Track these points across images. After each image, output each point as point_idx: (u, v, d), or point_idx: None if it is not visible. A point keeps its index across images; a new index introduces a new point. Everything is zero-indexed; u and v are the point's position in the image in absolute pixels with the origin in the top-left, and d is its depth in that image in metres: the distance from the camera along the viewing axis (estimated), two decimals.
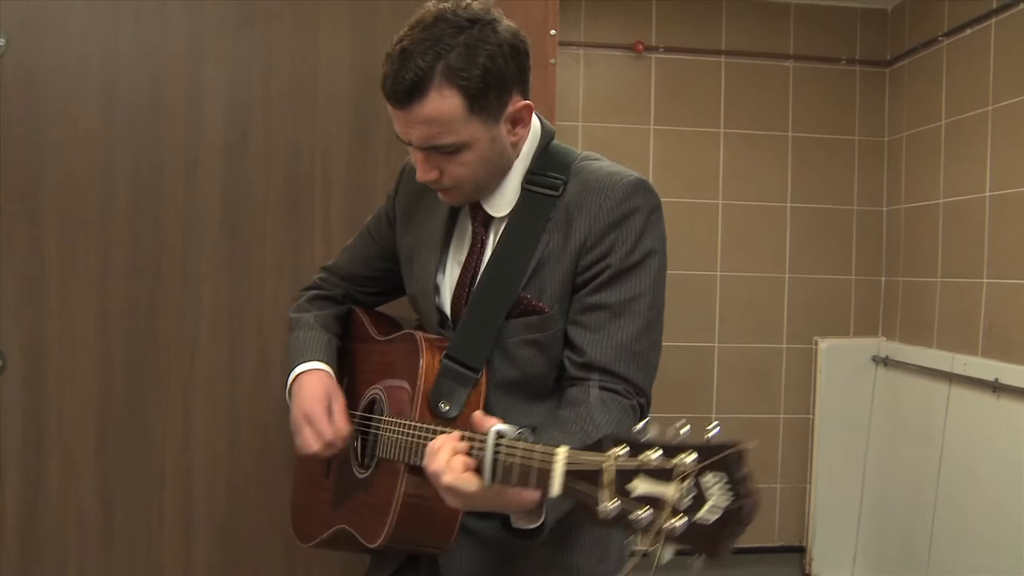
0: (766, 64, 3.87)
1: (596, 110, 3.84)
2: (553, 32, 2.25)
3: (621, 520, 0.94)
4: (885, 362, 3.78)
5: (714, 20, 3.86)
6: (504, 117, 1.33)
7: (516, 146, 1.40)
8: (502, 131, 1.34)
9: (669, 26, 3.84)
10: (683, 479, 0.89)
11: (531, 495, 1.16)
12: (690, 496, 0.89)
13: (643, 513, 0.91)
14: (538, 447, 1.07)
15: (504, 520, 1.25)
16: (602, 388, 1.33)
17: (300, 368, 1.55)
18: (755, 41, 3.86)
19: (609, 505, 0.95)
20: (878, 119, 3.95)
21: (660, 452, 0.93)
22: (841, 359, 3.89)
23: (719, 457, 0.88)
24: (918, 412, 3.52)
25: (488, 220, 1.43)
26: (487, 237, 1.43)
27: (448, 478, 1.15)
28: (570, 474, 1.02)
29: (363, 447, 1.53)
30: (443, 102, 1.26)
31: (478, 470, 1.15)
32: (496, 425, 1.15)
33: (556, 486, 1.03)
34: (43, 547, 2.20)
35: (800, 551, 4.00)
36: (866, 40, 3.93)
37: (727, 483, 0.88)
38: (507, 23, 1.32)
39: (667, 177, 3.88)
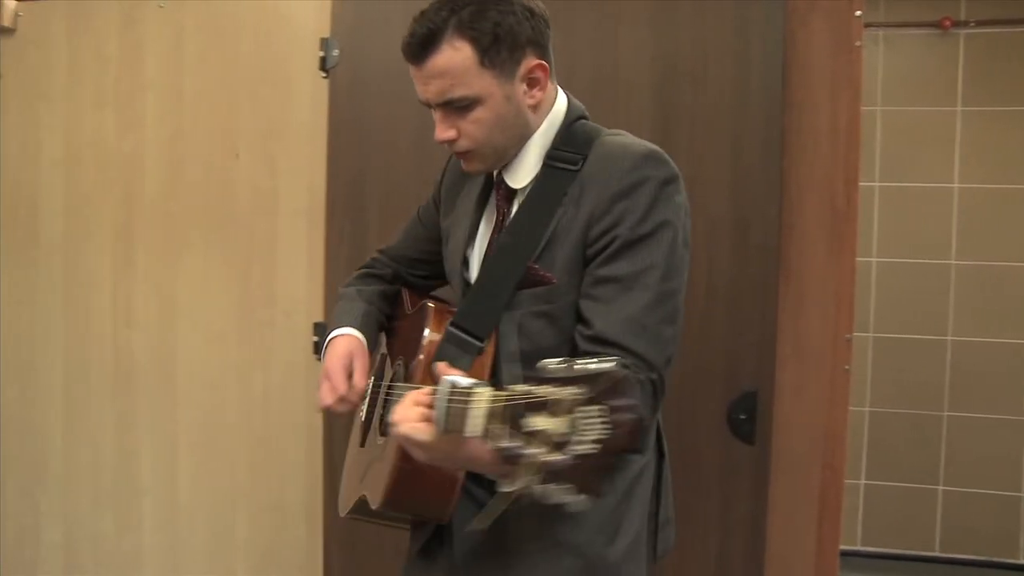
0: None
1: (897, 93, 3.65)
2: (859, 13, 2.16)
3: (516, 456, 0.92)
4: None
5: None
6: (519, 76, 1.34)
7: (536, 110, 1.39)
8: (517, 90, 1.35)
9: None
10: (567, 411, 0.88)
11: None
12: (576, 430, 0.88)
13: (534, 448, 0.90)
14: (484, 390, 1.03)
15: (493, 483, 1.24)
16: None
17: (333, 334, 1.58)
18: None
19: (505, 443, 0.94)
20: None
21: (552, 386, 0.91)
22: None
23: (597, 389, 0.88)
24: None
25: (511, 193, 1.44)
26: (509, 209, 1.44)
27: (403, 427, 1.15)
28: (491, 414, 0.99)
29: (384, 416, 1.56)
30: (455, 53, 1.30)
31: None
32: (452, 376, 1.12)
33: (473, 426, 1.01)
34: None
35: None
36: None
37: (604, 414, 0.87)
38: None
39: (975, 162, 3.64)
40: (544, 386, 0.92)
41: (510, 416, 0.94)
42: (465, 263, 1.50)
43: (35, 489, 2.72)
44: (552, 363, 0.95)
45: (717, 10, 2.12)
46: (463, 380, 1.09)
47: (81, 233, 2.64)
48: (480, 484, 1.39)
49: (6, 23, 2.64)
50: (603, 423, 0.88)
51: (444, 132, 1.37)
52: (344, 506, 1.68)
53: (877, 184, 3.71)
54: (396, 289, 1.71)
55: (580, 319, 1.35)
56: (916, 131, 3.67)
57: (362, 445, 1.66)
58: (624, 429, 0.89)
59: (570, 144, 1.40)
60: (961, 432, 3.73)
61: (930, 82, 3.65)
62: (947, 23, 3.55)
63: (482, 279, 1.41)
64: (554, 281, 1.36)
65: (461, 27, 1.30)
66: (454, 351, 1.37)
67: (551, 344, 1.37)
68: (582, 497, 0.90)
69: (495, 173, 1.46)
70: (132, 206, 2.59)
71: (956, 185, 3.67)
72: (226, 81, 2.50)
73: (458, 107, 1.34)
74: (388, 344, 1.71)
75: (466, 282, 1.49)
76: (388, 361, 1.68)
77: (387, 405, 1.52)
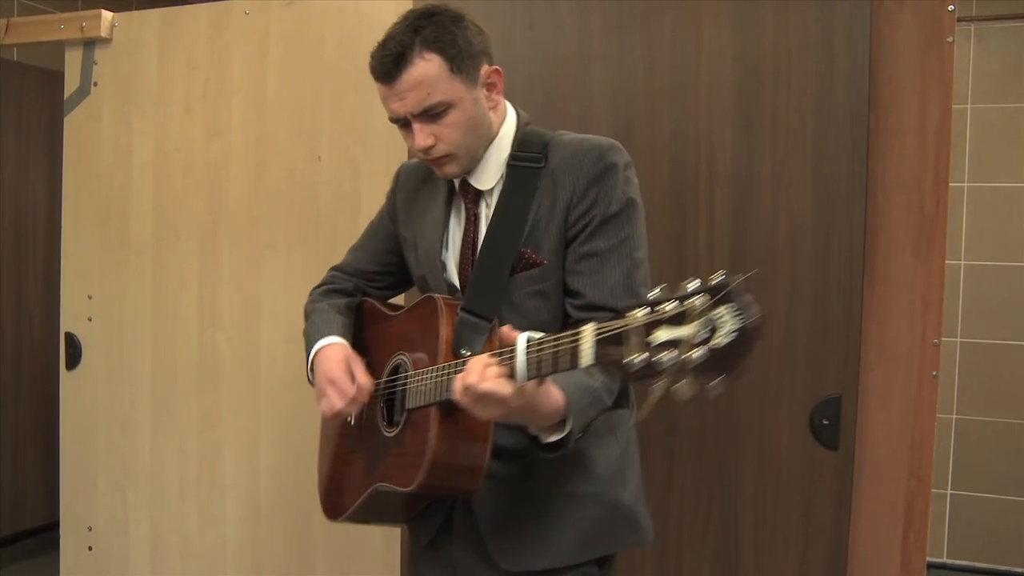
0: None
1: (988, 90, 3.53)
2: (952, 8, 2.10)
3: (649, 368, 1.05)
4: None
5: None
6: (480, 81, 1.52)
7: (495, 112, 1.57)
8: (480, 94, 1.53)
9: None
10: (698, 317, 1.01)
11: (556, 399, 1.32)
12: (706, 329, 1.00)
13: (667, 355, 1.03)
14: (566, 333, 1.19)
15: (535, 441, 1.39)
16: None
17: (318, 345, 1.69)
18: None
19: (636, 358, 1.06)
20: None
21: (675, 303, 1.04)
22: None
23: (725, 291, 1.00)
24: None
25: (477, 195, 1.60)
26: (478, 210, 1.60)
27: (485, 384, 1.26)
28: (599, 343, 1.13)
29: (390, 409, 1.62)
30: (427, 64, 1.46)
31: (511, 377, 1.26)
32: (525, 333, 1.27)
33: (586, 357, 1.14)
34: None
35: None
36: None
37: (736, 311, 0.99)
38: (468, 15, 1.53)
39: None
40: (662, 306, 1.06)
41: (635, 336, 1.08)
42: (443, 266, 1.63)
43: (124, 483, 2.80)
44: (654, 292, 1.09)
45: (800, 8, 2.08)
46: (534, 334, 1.27)
47: (169, 235, 2.71)
48: (503, 460, 1.52)
49: (103, 34, 2.73)
50: (735, 317, 1.00)
51: (424, 140, 1.51)
52: (338, 509, 1.76)
53: (966, 184, 3.60)
54: (358, 301, 1.83)
55: (570, 293, 1.54)
56: (1010, 129, 3.54)
57: (356, 449, 1.73)
58: (756, 320, 1.00)
59: (527, 147, 1.57)
60: None
61: None
62: None
63: (480, 268, 1.55)
64: (545, 263, 1.53)
65: (427, 42, 1.47)
66: (468, 333, 1.51)
67: (546, 319, 1.55)
68: (719, 380, 1.02)
69: (457, 181, 1.62)
70: (217, 208, 2.65)
71: None
72: (309, 84, 2.54)
73: (434, 114, 1.49)
74: (363, 348, 1.76)
75: (448, 281, 1.62)
76: (372, 365, 1.74)
77: (397, 397, 1.60)
